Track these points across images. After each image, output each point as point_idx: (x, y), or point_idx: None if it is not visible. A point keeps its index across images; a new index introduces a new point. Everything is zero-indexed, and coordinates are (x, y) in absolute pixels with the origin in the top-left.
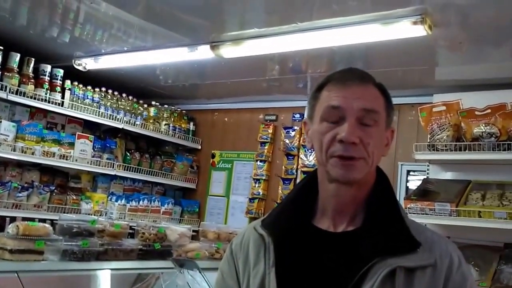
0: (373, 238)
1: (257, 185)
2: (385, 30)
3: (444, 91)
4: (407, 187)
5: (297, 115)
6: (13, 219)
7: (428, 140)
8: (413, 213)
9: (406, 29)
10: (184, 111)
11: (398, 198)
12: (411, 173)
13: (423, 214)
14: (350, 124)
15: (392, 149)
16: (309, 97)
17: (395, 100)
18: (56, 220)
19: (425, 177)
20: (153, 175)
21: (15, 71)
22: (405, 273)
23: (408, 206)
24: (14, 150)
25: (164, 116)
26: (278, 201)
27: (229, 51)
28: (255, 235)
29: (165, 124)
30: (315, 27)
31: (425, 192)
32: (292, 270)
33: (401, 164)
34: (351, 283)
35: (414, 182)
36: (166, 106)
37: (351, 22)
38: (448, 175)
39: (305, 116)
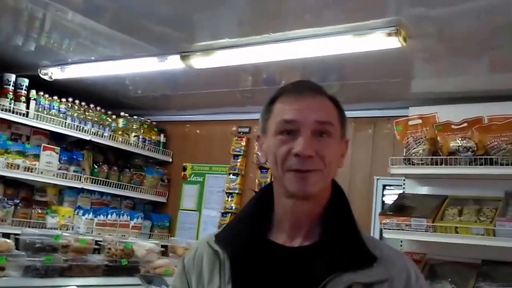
0: (328, 254)
1: (229, 199)
2: (359, 41)
3: (420, 104)
4: (383, 202)
5: None
6: None
7: (404, 154)
8: (389, 229)
9: (380, 41)
10: (154, 123)
11: (373, 213)
12: (387, 187)
13: (399, 229)
14: (305, 137)
15: (368, 163)
16: (262, 110)
17: (370, 113)
18: (20, 235)
19: (401, 191)
20: (122, 188)
21: None
22: None
23: (384, 221)
24: None
25: (134, 127)
26: None
27: (199, 62)
28: (209, 251)
29: (135, 136)
30: (288, 38)
31: (401, 207)
32: (247, 287)
33: (377, 179)
34: None
35: (390, 197)
36: (135, 117)
37: (324, 33)
38: (424, 190)
39: (259, 130)
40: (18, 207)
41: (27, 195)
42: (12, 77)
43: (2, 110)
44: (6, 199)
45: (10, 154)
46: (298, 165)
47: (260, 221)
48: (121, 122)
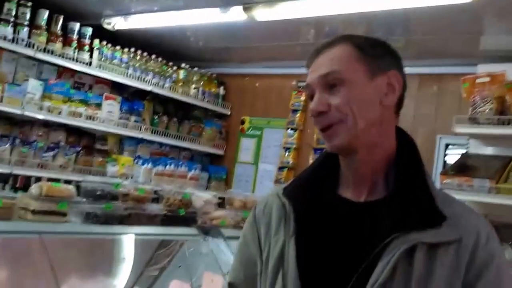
0: (394, 210)
1: (287, 153)
2: None
3: (489, 62)
4: (445, 161)
5: None
6: (38, 179)
7: (470, 113)
8: (450, 189)
9: None
10: (214, 75)
11: (434, 173)
12: (450, 146)
13: (460, 190)
14: (316, 96)
15: (431, 121)
16: None
17: (436, 70)
18: (81, 182)
19: (464, 151)
20: (181, 140)
21: (43, 28)
22: (427, 249)
23: (445, 181)
24: (41, 109)
25: (194, 79)
26: None
27: (262, 13)
28: (278, 203)
29: (195, 88)
30: None
31: (463, 167)
32: (311, 240)
33: (440, 137)
34: (368, 259)
35: (453, 157)
36: (196, 69)
37: None
38: (489, 150)
39: None
40: (80, 155)
41: (88, 143)
42: (77, 26)
43: (66, 58)
44: (68, 146)
45: (73, 102)
46: (318, 124)
47: (330, 176)
48: (181, 73)
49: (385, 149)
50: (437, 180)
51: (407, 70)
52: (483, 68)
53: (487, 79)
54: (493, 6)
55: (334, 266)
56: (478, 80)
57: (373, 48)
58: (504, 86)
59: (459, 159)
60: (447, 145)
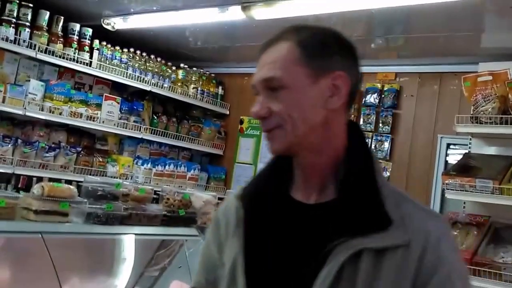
0: (341, 214)
1: None
2: None
3: (490, 60)
4: (446, 162)
5: None
6: (39, 179)
7: (472, 112)
8: (452, 190)
9: None
10: (213, 75)
11: (436, 173)
12: (451, 146)
13: (463, 190)
14: (258, 99)
15: (432, 121)
16: None
17: (436, 68)
18: (82, 182)
19: (466, 151)
20: (180, 140)
21: (44, 29)
22: (374, 255)
23: (447, 181)
24: (42, 110)
25: (193, 79)
26: None
27: (260, 12)
28: (236, 205)
29: (193, 88)
30: None
31: (465, 168)
32: (260, 245)
33: (441, 137)
34: (312, 265)
35: (454, 156)
36: (194, 69)
37: None
38: (491, 150)
39: None
40: (80, 155)
41: (89, 144)
42: (77, 26)
43: (67, 59)
44: (69, 146)
45: (74, 102)
46: (261, 127)
47: (284, 177)
48: (180, 73)
49: (332, 150)
50: (438, 180)
51: (407, 69)
52: (484, 67)
53: (489, 77)
54: (495, 3)
55: (280, 271)
56: (479, 79)
57: (318, 47)
58: (507, 85)
59: (461, 159)
60: (448, 145)
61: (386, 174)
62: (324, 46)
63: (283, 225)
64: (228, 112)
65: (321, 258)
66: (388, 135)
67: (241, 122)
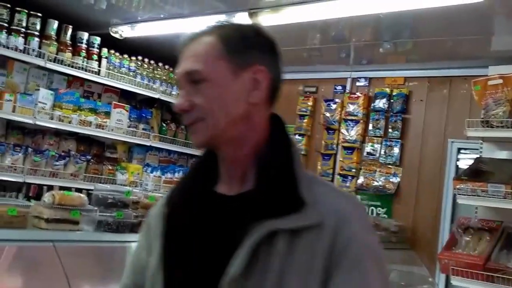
0: (257, 200)
1: None
2: None
3: (501, 63)
4: (457, 166)
5: (339, 87)
6: (50, 188)
7: (482, 116)
8: (463, 195)
9: None
10: None
11: (447, 178)
12: (462, 151)
13: (474, 195)
14: (180, 93)
15: (442, 125)
16: None
17: (446, 72)
18: (92, 190)
19: (477, 155)
20: (189, 147)
21: (53, 38)
22: (289, 237)
23: (458, 186)
24: (52, 119)
25: None
26: None
27: (267, 19)
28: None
29: None
30: None
31: (477, 172)
32: (180, 243)
33: (452, 141)
34: (228, 252)
35: (465, 161)
36: None
37: None
38: (503, 154)
39: None
40: (90, 163)
41: (98, 152)
42: (85, 35)
43: (75, 67)
44: (79, 155)
45: (83, 111)
46: (183, 120)
47: (212, 173)
48: None
49: (253, 142)
50: (449, 185)
51: (416, 73)
52: (494, 70)
53: (499, 81)
54: (504, 6)
55: (198, 264)
56: (490, 82)
57: (239, 42)
58: None
59: (472, 164)
60: (459, 150)
61: (396, 179)
62: (245, 41)
63: (204, 219)
64: None
65: (237, 243)
66: (398, 140)
67: None
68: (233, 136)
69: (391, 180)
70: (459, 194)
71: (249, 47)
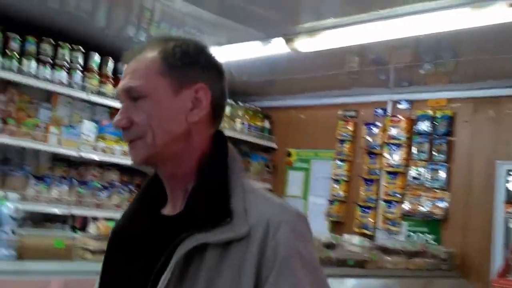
0: (191, 218)
1: (337, 186)
2: (478, 14)
3: None
4: (507, 189)
5: (380, 110)
6: (95, 219)
7: None
8: None
9: (502, 13)
10: (259, 109)
11: (496, 201)
12: (511, 172)
13: None
14: (120, 110)
15: (490, 147)
16: None
17: (492, 92)
18: None
19: None
20: None
21: (95, 71)
22: (219, 250)
23: (508, 210)
24: (95, 150)
25: (239, 114)
26: (359, 203)
27: (304, 44)
28: None
29: (240, 123)
30: (398, 14)
31: None
32: (118, 265)
33: (500, 163)
34: (158, 265)
35: None
36: (241, 103)
37: (438, 7)
38: None
39: None
40: (133, 193)
41: (141, 181)
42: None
43: (115, 98)
44: (122, 185)
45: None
46: (123, 137)
47: (157, 196)
48: (227, 108)
49: (193, 161)
50: (500, 209)
51: (459, 94)
52: None
53: None
54: None
55: (128, 283)
56: None
57: (180, 58)
58: None
59: None
60: (508, 171)
61: (443, 204)
62: (186, 58)
63: (142, 241)
64: (275, 146)
65: (167, 258)
66: (443, 163)
67: (289, 154)
68: (171, 154)
69: (438, 205)
70: (510, 218)
71: (190, 64)
